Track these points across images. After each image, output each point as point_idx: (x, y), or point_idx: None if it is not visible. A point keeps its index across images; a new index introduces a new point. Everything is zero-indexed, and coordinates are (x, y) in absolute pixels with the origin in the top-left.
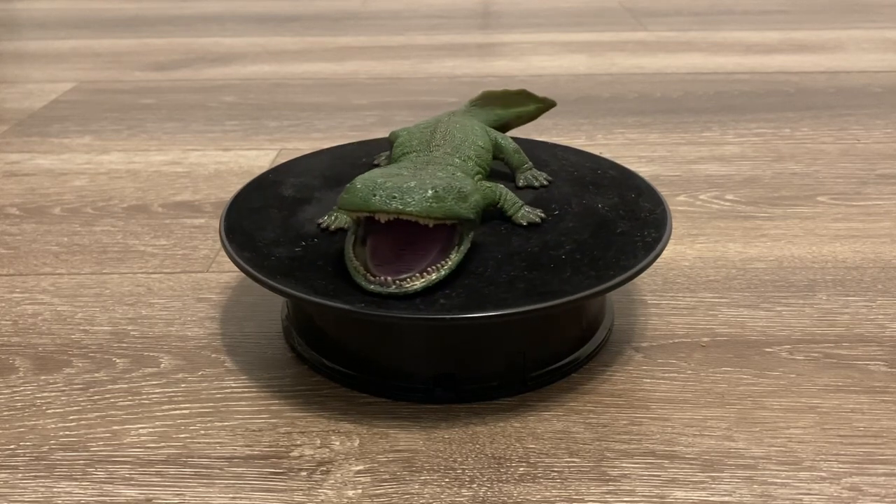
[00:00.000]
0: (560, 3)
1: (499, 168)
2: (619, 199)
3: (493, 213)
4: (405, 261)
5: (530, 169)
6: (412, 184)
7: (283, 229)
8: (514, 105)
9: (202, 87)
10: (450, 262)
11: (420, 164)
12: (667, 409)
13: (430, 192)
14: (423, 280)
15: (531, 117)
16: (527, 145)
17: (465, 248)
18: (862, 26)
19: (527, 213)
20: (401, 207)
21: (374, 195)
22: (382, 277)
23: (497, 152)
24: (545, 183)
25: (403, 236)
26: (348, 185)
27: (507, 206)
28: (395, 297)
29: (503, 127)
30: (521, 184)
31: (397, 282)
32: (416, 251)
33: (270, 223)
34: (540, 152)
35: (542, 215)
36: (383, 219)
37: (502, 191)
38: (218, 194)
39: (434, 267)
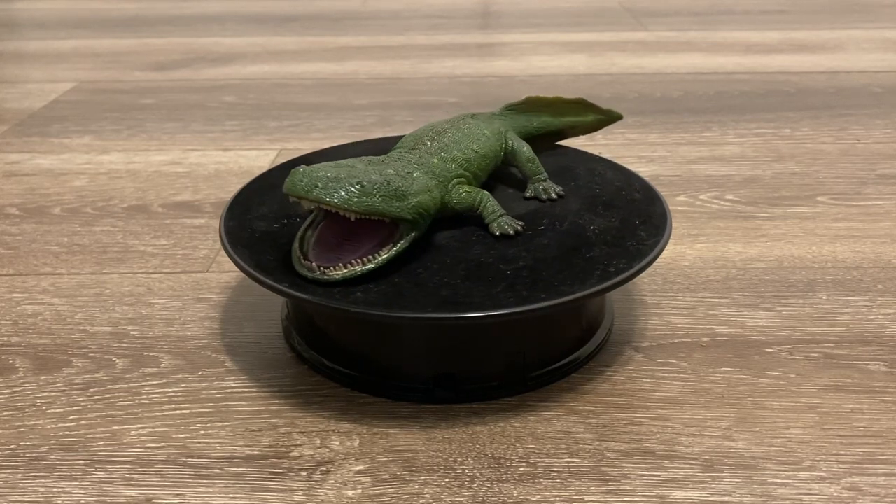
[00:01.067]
0: (560, 3)
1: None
2: (620, 223)
3: (474, 219)
4: (342, 250)
5: (544, 180)
6: (342, 175)
7: (280, 207)
8: (568, 114)
9: (202, 87)
10: (378, 259)
11: (390, 160)
12: (667, 409)
13: (356, 186)
14: (344, 271)
15: (590, 128)
16: (571, 155)
17: (400, 247)
18: (862, 26)
19: (502, 224)
20: (321, 196)
21: (302, 181)
22: (311, 262)
23: (511, 160)
24: (554, 196)
25: (348, 227)
26: (293, 169)
27: (485, 214)
28: (317, 283)
29: (555, 135)
30: (528, 194)
31: (322, 268)
32: (355, 243)
33: (272, 199)
34: (578, 163)
35: (519, 228)
36: (306, 205)
37: (483, 198)
38: (218, 194)
39: (360, 260)
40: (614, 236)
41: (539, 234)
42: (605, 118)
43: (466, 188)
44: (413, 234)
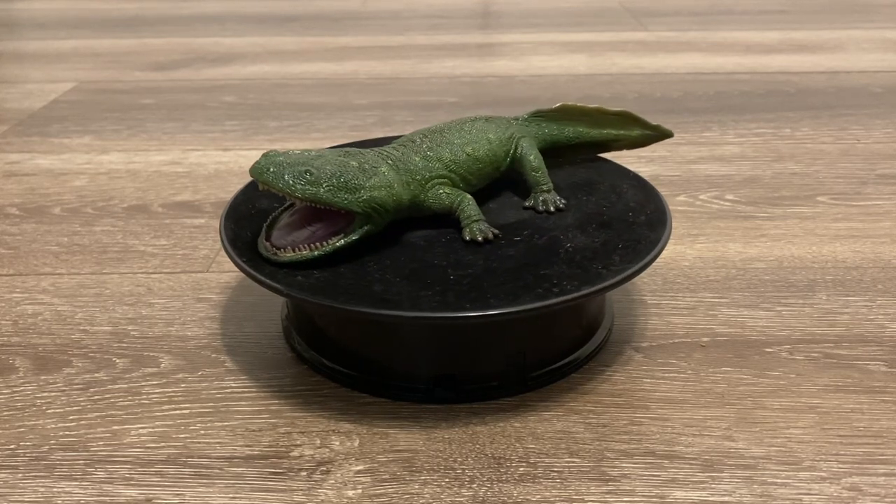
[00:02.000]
0: (560, 3)
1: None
2: (602, 244)
3: (457, 222)
4: (300, 234)
5: (546, 192)
6: (296, 162)
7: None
8: (609, 126)
9: (202, 87)
10: (324, 247)
11: (367, 154)
12: (667, 409)
13: (304, 174)
14: (292, 254)
15: (636, 144)
16: (604, 169)
17: (350, 239)
18: (862, 26)
19: (473, 230)
20: (269, 179)
21: (260, 163)
22: (267, 242)
23: (518, 167)
24: (551, 209)
25: (315, 213)
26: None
27: (461, 217)
28: (268, 262)
29: (594, 147)
30: (527, 204)
31: (274, 248)
32: (314, 229)
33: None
34: (606, 178)
35: (490, 235)
36: (261, 187)
37: (462, 201)
38: (218, 194)
39: (309, 246)
40: (584, 257)
41: (511, 244)
42: (652, 134)
43: (446, 190)
44: (366, 228)
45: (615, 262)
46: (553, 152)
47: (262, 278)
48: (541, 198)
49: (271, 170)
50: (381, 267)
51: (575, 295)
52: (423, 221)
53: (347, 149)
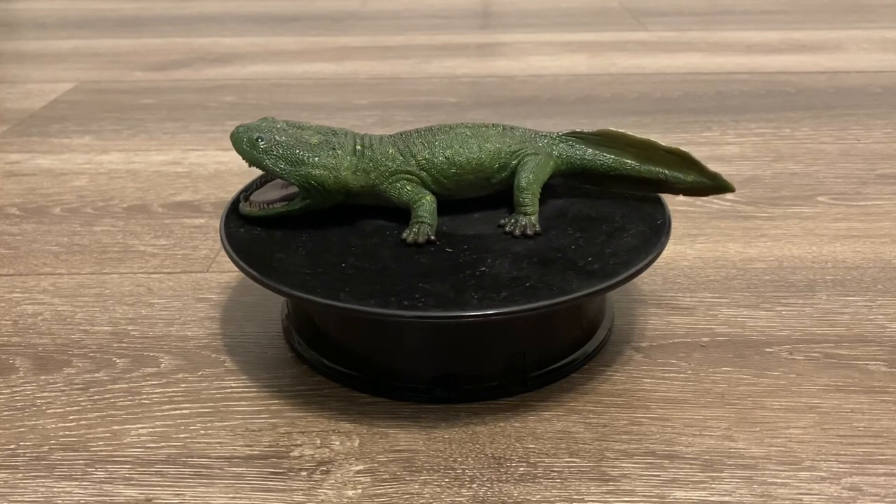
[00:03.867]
0: (560, 3)
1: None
2: (511, 279)
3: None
4: (270, 194)
5: (527, 215)
6: (259, 127)
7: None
8: (661, 164)
9: (202, 87)
10: (268, 209)
11: (343, 136)
12: (667, 409)
13: (257, 141)
14: (249, 209)
15: (690, 190)
16: (633, 208)
17: (293, 206)
18: (862, 26)
19: (412, 230)
20: (233, 140)
21: (237, 127)
22: (242, 197)
23: (514, 184)
24: (517, 233)
25: None
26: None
27: (412, 215)
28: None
29: (644, 184)
30: (500, 222)
31: (242, 202)
32: (284, 193)
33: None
34: (624, 218)
35: (421, 240)
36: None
37: (419, 200)
38: (218, 194)
39: (259, 205)
40: (479, 284)
41: (434, 253)
42: (709, 183)
43: (409, 186)
44: (306, 202)
45: (495, 298)
46: (590, 180)
47: (262, 278)
48: (513, 219)
49: (239, 131)
50: (309, 240)
51: (428, 314)
52: (397, 213)
53: (336, 128)
